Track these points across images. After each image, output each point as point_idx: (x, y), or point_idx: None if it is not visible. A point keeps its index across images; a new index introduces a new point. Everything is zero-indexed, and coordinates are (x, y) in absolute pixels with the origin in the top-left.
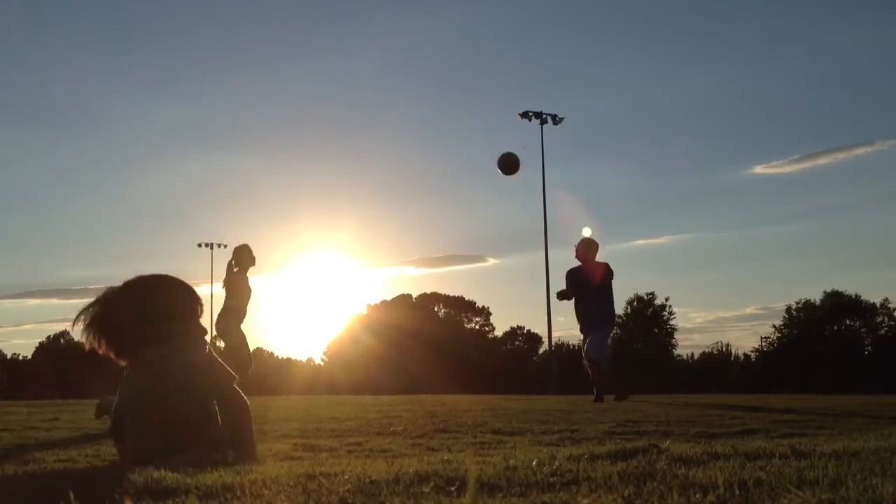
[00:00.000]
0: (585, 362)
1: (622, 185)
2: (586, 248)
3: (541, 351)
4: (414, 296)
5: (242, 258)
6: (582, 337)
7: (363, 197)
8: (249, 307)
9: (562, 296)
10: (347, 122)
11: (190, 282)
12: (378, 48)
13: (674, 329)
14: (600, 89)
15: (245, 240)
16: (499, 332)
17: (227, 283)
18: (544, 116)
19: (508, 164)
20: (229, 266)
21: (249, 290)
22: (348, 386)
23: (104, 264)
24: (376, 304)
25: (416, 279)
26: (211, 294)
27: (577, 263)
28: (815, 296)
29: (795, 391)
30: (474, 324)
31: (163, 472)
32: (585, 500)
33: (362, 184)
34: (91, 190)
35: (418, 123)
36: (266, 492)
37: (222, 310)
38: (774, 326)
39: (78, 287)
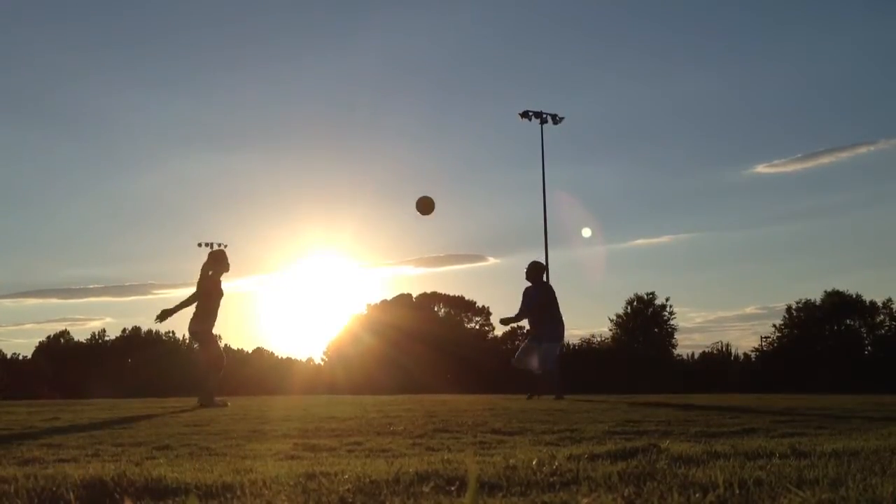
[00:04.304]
0: (515, 365)
1: (622, 185)
2: (536, 271)
3: None
4: (414, 296)
5: (219, 264)
6: (527, 343)
7: (363, 197)
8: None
9: (507, 321)
10: (347, 122)
11: (189, 282)
12: (378, 48)
13: (674, 329)
14: (600, 89)
15: (245, 240)
16: (499, 332)
17: (203, 287)
18: (544, 116)
19: (424, 206)
20: (204, 270)
21: (221, 294)
22: (348, 386)
23: (104, 264)
24: (376, 304)
25: (416, 279)
26: None
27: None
28: (816, 295)
29: (795, 391)
30: (474, 324)
31: (163, 471)
32: (585, 500)
33: (362, 184)
34: (91, 190)
35: (418, 123)
36: (266, 491)
37: (199, 313)
38: (775, 326)
39: (78, 287)
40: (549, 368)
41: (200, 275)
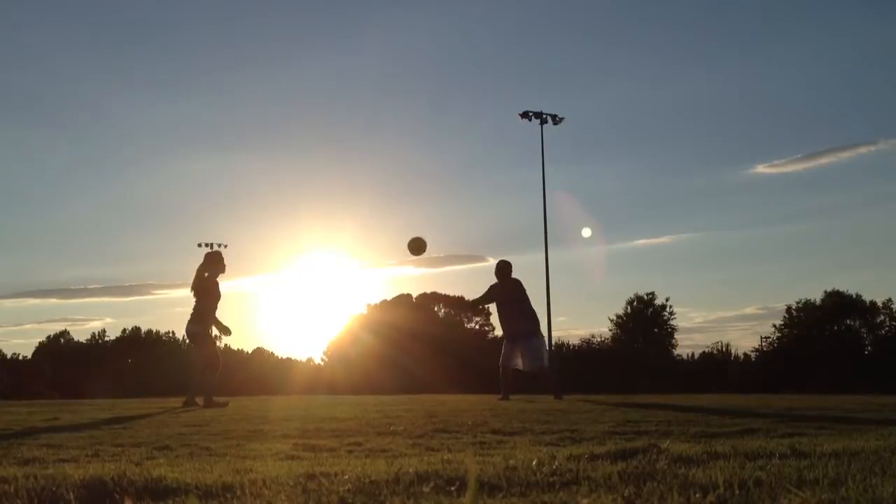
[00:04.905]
0: (503, 365)
1: (622, 185)
2: (505, 268)
3: None
4: (414, 296)
5: (215, 265)
6: (506, 343)
7: (363, 197)
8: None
9: (475, 303)
10: (347, 122)
11: (189, 282)
12: (378, 48)
13: (674, 329)
14: (600, 89)
15: (245, 240)
16: (499, 332)
17: (199, 288)
18: (544, 116)
19: (415, 247)
20: (200, 271)
21: (218, 296)
22: (348, 386)
23: (104, 264)
24: (376, 304)
25: (416, 279)
26: None
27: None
28: (816, 296)
29: (795, 391)
30: (474, 324)
31: (163, 471)
32: (585, 500)
33: (362, 184)
34: (91, 190)
35: (418, 123)
36: (266, 492)
37: (196, 314)
38: (775, 326)
39: (78, 287)
40: (543, 365)
41: (196, 276)
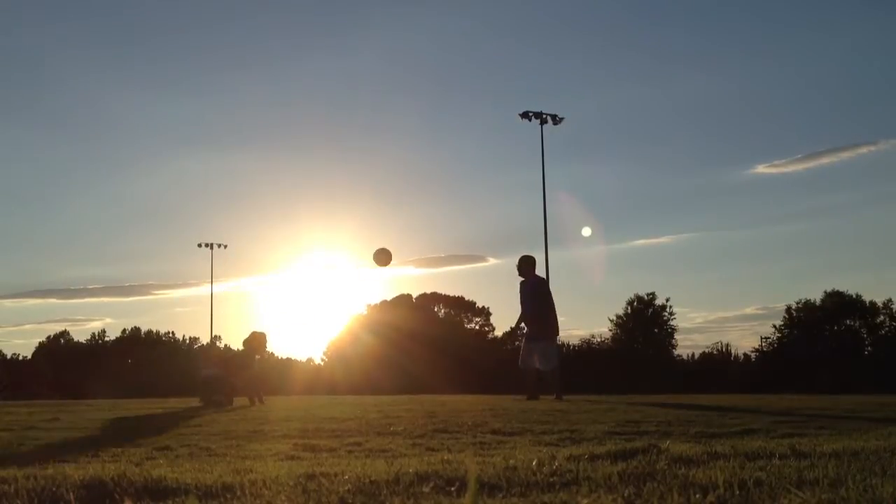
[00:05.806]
0: (521, 367)
1: (622, 185)
2: (529, 265)
3: None
4: (414, 296)
5: (260, 346)
6: (525, 344)
7: (363, 197)
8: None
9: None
10: (347, 122)
11: (189, 282)
12: (378, 48)
13: (674, 329)
14: (600, 89)
15: (245, 240)
16: (499, 332)
17: (242, 366)
18: (544, 116)
19: (380, 258)
20: (251, 353)
21: (243, 367)
22: (348, 386)
23: (104, 264)
24: (376, 304)
25: (416, 279)
26: (211, 294)
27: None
28: (816, 296)
29: (795, 391)
30: (474, 324)
31: (163, 471)
32: (585, 500)
33: (362, 184)
34: (91, 190)
35: (418, 123)
36: (266, 492)
37: (216, 361)
38: (775, 326)
39: (78, 287)
40: (554, 367)
41: (251, 350)
